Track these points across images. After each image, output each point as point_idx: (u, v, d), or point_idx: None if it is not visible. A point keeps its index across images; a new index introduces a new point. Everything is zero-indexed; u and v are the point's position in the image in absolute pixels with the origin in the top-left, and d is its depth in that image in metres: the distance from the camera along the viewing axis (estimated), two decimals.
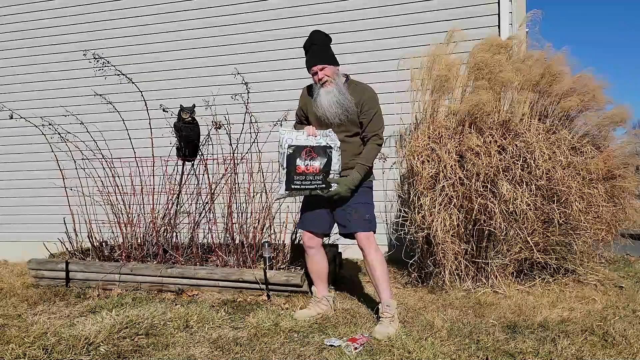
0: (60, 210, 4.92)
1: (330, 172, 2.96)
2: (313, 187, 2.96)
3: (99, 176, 4.36)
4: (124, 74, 4.09)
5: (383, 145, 3.15)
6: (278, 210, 4.20)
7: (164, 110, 4.12)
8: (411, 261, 4.02)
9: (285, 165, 2.98)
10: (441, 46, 4.09)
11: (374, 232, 3.06)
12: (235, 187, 4.07)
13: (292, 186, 2.97)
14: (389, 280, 3.07)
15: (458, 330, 2.89)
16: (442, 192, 3.67)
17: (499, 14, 4.75)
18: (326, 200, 3.05)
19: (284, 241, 4.09)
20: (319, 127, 3.05)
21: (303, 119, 3.23)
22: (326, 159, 2.94)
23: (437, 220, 3.62)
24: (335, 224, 3.15)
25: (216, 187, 4.19)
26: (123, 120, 4.45)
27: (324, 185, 2.96)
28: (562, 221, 3.73)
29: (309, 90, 3.18)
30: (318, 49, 3.01)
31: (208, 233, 4.18)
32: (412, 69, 4.10)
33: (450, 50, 4.11)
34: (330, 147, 2.96)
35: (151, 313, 3.26)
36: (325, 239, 3.46)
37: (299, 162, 2.93)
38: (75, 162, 4.47)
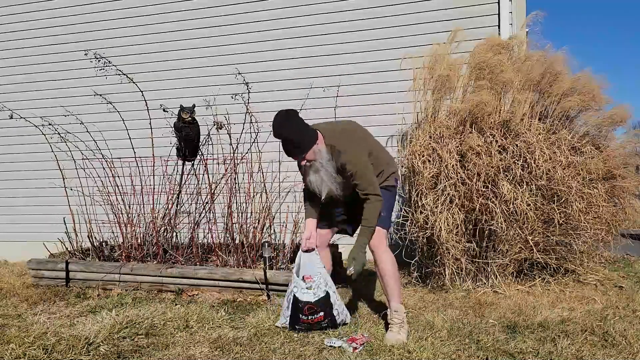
0: (60, 210, 4.92)
1: (334, 309, 2.96)
2: (318, 328, 2.97)
3: (99, 176, 4.36)
4: (124, 74, 4.09)
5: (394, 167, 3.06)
6: (278, 210, 4.20)
7: (164, 110, 4.12)
8: (412, 261, 4.02)
9: (290, 307, 2.96)
10: (443, 46, 4.09)
11: (387, 232, 2.99)
12: (235, 187, 4.06)
13: (297, 327, 2.98)
14: (400, 284, 3.00)
15: (458, 330, 2.89)
16: (443, 192, 3.67)
17: (499, 14, 4.76)
18: (342, 202, 3.02)
19: (284, 241, 4.09)
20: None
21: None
22: (328, 308, 2.93)
23: (440, 220, 3.61)
24: (346, 226, 3.13)
25: (216, 187, 4.19)
26: (123, 120, 4.45)
27: (327, 325, 2.96)
28: (562, 221, 3.73)
29: None
30: (289, 144, 2.79)
31: (208, 233, 4.18)
32: (414, 69, 4.10)
33: (451, 50, 4.11)
34: (328, 293, 2.95)
35: (151, 313, 3.26)
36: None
37: (302, 316, 2.93)
38: (75, 162, 4.47)
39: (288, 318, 2.96)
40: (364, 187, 2.81)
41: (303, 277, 2.97)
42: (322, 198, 2.90)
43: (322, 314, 2.91)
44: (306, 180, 2.94)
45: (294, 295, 2.93)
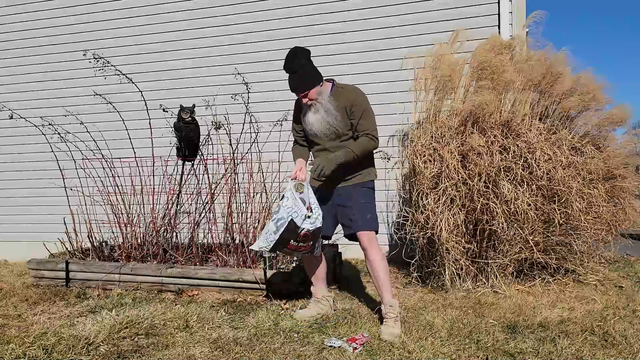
0: (60, 210, 4.92)
1: (318, 241, 3.02)
2: (296, 255, 3.12)
3: (99, 176, 4.36)
4: (124, 74, 4.09)
5: (379, 146, 3.09)
6: None
7: (164, 110, 4.12)
8: (412, 261, 4.02)
9: (279, 232, 2.90)
10: (444, 46, 4.08)
11: (376, 232, 3.06)
12: (235, 187, 4.07)
13: (278, 251, 3.05)
14: (391, 281, 3.07)
15: (458, 330, 2.89)
16: (444, 192, 3.67)
17: (499, 14, 4.76)
18: (330, 203, 3.06)
19: None
20: (311, 138, 3.07)
21: (300, 131, 3.17)
22: (316, 239, 2.98)
23: (441, 221, 3.61)
24: (338, 227, 3.15)
25: (216, 187, 4.19)
26: (123, 120, 4.45)
27: (305, 254, 3.07)
28: (563, 221, 3.73)
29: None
30: (296, 76, 2.91)
31: (208, 233, 4.18)
32: (415, 69, 4.10)
33: (453, 50, 4.11)
34: (322, 225, 2.99)
35: (151, 313, 3.26)
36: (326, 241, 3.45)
37: (292, 242, 2.94)
38: (75, 162, 4.47)
39: (272, 242, 2.93)
40: (367, 126, 2.95)
41: (304, 203, 2.98)
42: (319, 136, 2.99)
43: (310, 243, 2.97)
44: (303, 123, 3.04)
45: (292, 219, 2.89)
